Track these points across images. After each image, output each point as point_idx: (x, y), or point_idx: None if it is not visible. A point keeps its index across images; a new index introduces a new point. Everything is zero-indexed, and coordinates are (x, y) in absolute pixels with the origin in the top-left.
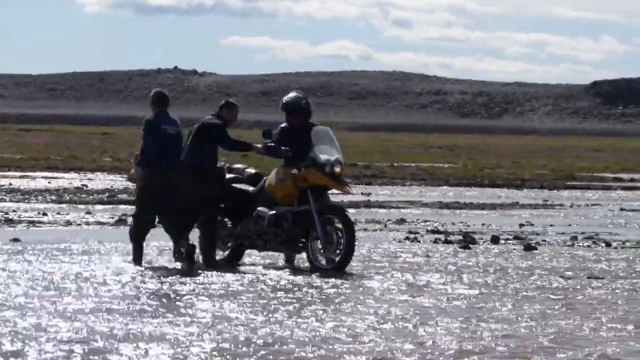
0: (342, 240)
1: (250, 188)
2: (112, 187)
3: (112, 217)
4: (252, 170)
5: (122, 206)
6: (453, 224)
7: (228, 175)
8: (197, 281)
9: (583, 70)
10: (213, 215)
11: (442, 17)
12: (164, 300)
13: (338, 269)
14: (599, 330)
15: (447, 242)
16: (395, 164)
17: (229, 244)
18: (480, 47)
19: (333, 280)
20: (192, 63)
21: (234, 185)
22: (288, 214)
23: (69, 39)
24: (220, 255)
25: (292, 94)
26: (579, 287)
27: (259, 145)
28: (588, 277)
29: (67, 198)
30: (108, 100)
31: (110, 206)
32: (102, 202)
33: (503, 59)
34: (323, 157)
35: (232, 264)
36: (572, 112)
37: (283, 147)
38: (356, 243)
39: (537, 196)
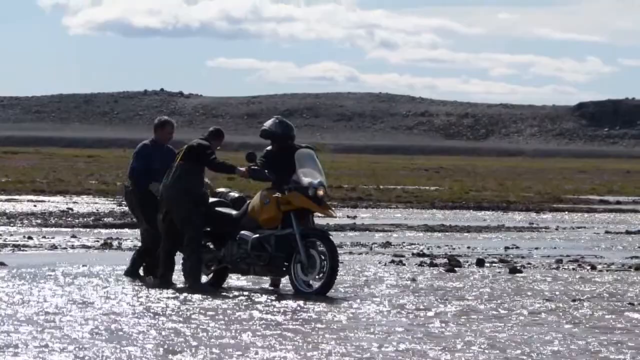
0: (325, 264)
1: (234, 212)
2: (97, 210)
3: (98, 241)
4: (235, 194)
5: (108, 230)
6: (438, 247)
7: (211, 199)
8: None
9: (568, 92)
10: (197, 236)
11: (427, 38)
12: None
13: (321, 293)
14: (579, 352)
15: (432, 265)
16: (381, 187)
17: (212, 268)
18: (466, 68)
19: (315, 304)
20: (178, 85)
21: (217, 208)
22: (271, 237)
23: (54, 61)
24: (203, 279)
25: (269, 122)
26: (563, 310)
27: (243, 168)
28: (572, 300)
29: (53, 221)
30: (94, 122)
31: (96, 230)
32: (87, 226)
33: (488, 80)
34: (306, 180)
35: (215, 288)
36: (558, 134)
37: (266, 171)
38: (340, 267)
39: (523, 219)
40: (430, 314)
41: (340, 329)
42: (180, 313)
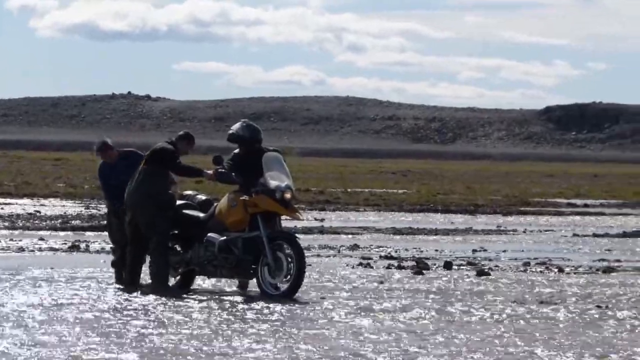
0: (292, 266)
1: (201, 214)
2: (65, 213)
3: (65, 243)
4: (202, 197)
5: (75, 232)
6: (406, 249)
7: (179, 202)
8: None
9: (536, 95)
10: (163, 240)
11: (395, 42)
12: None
13: (287, 296)
14: (543, 356)
15: (400, 267)
16: (349, 190)
17: (180, 270)
18: (433, 72)
19: (282, 306)
20: (146, 88)
21: (184, 211)
22: (238, 240)
23: (22, 64)
24: (170, 281)
25: (236, 125)
26: (530, 312)
27: (210, 171)
28: (540, 302)
29: (20, 224)
30: (62, 125)
31: (64, 232)
32: (55, 228)
33: (456, 84)
34: (273, 183)
35: (183, 290)
36: (525, 138)
37: (234, 174)
38: (307, 269)
39: (491, 222)
40: (398, 316)
41: (308, 330)
42: (148, 315)
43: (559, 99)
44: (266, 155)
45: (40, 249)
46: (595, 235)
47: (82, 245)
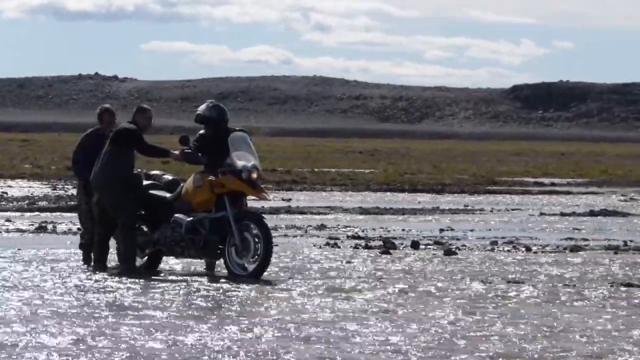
0: (260, 247)
1: (168, 194)
2: (32, 194)
3: (32, 224)
4: (169, 177)
5: (42, 213)
6: (374, 229)
7: (145, 182)
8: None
9: (503, 74)
10: (129, 221)
11: (362, 21)
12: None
13: (255, 276)
14: (506, 334)
15: (367, 247)
16: (316, 170)
17: (147, 251)
18: (400, 51)
19: (248, 286)
20: (113, 69)
21: (151, 191)
22: (205, 220)
23: None
24: (137, 262)
25: (203, 106)
26: (497, 291)
27: (176, 152)
28: (507, 282)
29: None
30: (28, 106)
31: (30, 213)
32: (22, 210)
33: (422, 63)
34: (240, 163)
35: (150, 271)
36: (492, 117)
37: (200, 154)
38: (273, 249)
39: (458, 201)
40: (366, 295)
41: (273, 311)
42: (113, 297)
43: (526, 77)
44: (232, 135)
45: (7, 230)
46: (562, 214)
47: (49, 227)
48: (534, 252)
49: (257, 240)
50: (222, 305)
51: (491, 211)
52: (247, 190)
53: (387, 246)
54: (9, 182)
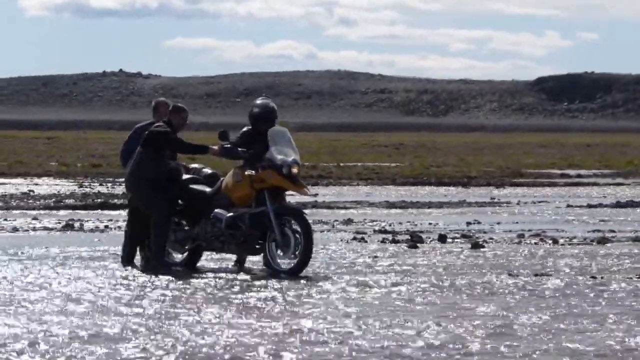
0: (300, 243)
1: (207, 189)
2: (58, 192)
3: (59, 223)
4: (209, 171)
5: (69, 211)
6: (400, 223)
7: (185, 176)
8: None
9: (527, 66)
10: (162, 219)
11: (385, 15)
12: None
13: (295, 272)
14: (537, 326)
15: (394, 241)
16: (342, 164)
17: (187, 246)
18: (424, 45)
19: (287, 282)
20: (137, 65)
21: (191, 186)
22: (245, 215)
23: (12, 44)
24: (177, 257)
25: (259, 102)
26: (525, 284)
27: (216, 147)
28: (535, 275)
29: (14, 204)
30: (53, 104)
31: (57, 211)
32: (49, 207)
33: (447, 56)
34: (280, 157)
35: (190, 266)
36: (517, 109)
37: (240, 149)
38: (314, 245)
39: (484, 194)
40: (394, 290)
41: (312, 306)
42: (145, 294)
43: (550, 69)
44: (272, 130)
45: (34, 229)
46: (589, 205)
47: (76, 224)
48: (561, 245)
49: (297, 236)
50: (263, 303)
51: (518, 204)
52: (288, 185)
53: (414, 240)
54: (36, 180)
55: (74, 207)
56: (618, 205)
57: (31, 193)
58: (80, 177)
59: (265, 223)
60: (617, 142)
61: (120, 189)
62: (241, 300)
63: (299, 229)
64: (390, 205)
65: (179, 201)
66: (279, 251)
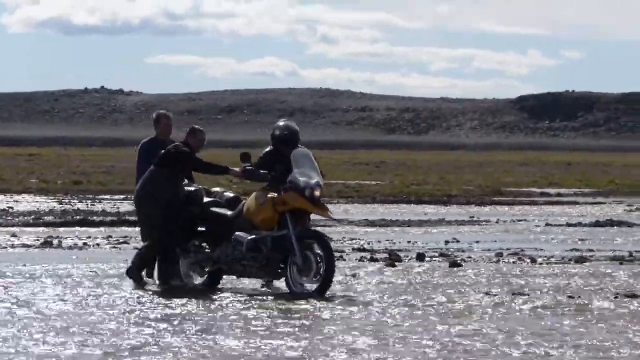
0: (322, 266)
1: (229, 212)
2: (38, 209)
3: (38, 240)
4: (230, 194)
5: (48, 228)
6: (379, 241)
7: (206, 199)
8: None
9: (510, 85)
10: (167, 238)
11: (367, 33)
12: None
13: (318, 295)
14: (516, 346)
15: (373, 260)
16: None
17: (207, 269)
18: (406, 63)
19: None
20: (119, 83)
21: (212, 209)
22: (267, 239)
23: None
24: (197, 280)
25: (282, 124)
26: (502, 303)
27: (237, 169)
28: (512, 294)
29: None
30: (35, 121)
31: (37, 228)
32: (28, 225)
33: (429, 75)
34: (303, 180)
35: (210, 289)
36: (499, 127)
37: (262, 171)
38: (336, 268)
39: (464, 212)
40: (371, 308)
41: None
42: (153, 313)
43: (532, 88)
44: (295, 152)
45: (12, 246)
46: (568, 225)
47: (55, 242)
48: (539, 264)
49: (319, 259)
50: (287, 325)
51: (497, 222)
52: (310, 208)
53: (393, 259)
54: (16, 197)
55: (53, 225)
56: (597, 224)
57: (10, 210)
58: (60, 195)
59: (287, 246)
60: (598, 162)
61: (100, 207)
62: (213, 317)
63: (321, 253)
64: (370, 223)
65: (200, 224)
66: (300, 274)
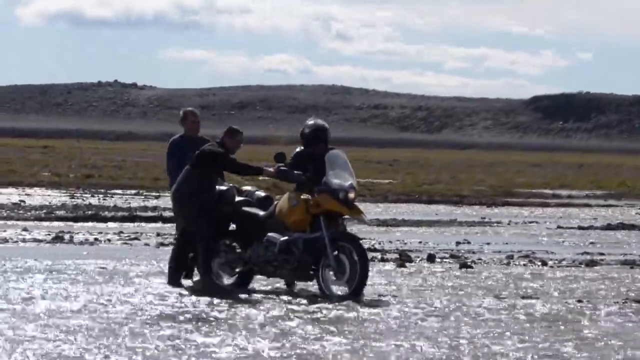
0: (355, 269)
1: (261, 212)
2: (50, 203)
3: (49, 234)
4: (262, 194)
5: (59, 223)
6: (390, 241)
7: (237, 198)
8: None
9: (522, 85)
10: (206, 239)
11: (382, 31)
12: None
13: (351, 297)
14: (524, 351)
15: (383, 260)
16: None
17: (237, 269)
18: (420, 61)
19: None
20: (132, 76)
21: (244, 208)
22: (299, 240)
23: (8, 52)
24: (227, 280)
25: (310, 122)
26: (512, 307)
27: (271, 169)
28: (522, 297)
29: (5, 214)
30: (48, 113)
31: (48, 223)
32: (39, 219)
33: (442, 73)
34: (337, 182)
35: (240, 289)
36: (512, 127)
37: (296, 172)
38: (370, 272)
39: (475, 213)
40: (379, 310)
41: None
42: (189, 314)
43: (545, 88)
44: (330, 153)
45: (24, 240)
46: (579, 227)
47: (66, 237)
48: (550, 267)
49: (352, 262)
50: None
51: (508, 224)
52: (344, 211)
53: (403, 259)
54: (27, 190)
55: (64, 219)
56: (609, 227)
57: (22, 203)
58: (72, 188)
59: (319, 249)
60: (610, 163)
61: (111, 201)
62: (227, 316)
63: (354, 255)
64: (381, 223)
65: (231, 224)
66: (333, 277)
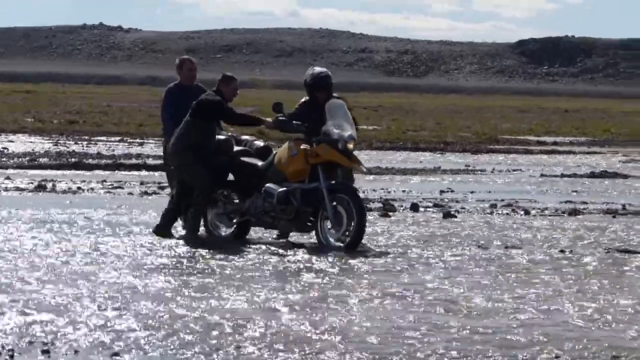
0: (353, 221)
1: (259, 162)
2: (33, 150)
3: (32, 183)
4: (260, 143)
5: (43, 171)
6: (374, 190)
7: (236, 148)
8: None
9: (509, 28)
10: (205, 190)
11: None
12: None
13: (347, 249)
14: (501, 301)
15: (367, 210)
16: None
17: (235, 220)
18: (406, 4)
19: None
20: (118, 19)
21: (242, 159)
22: (297, 191)
23: None
24: (224, 231)
25: (316, 70)
26: (494, 256)
27: (270, 120)
28: (505, 247)
29: None
30: (32, 57)
31: (31, 171)
32: (22, 167)
33: (429, 16)
34: (336, 132)
35: (238, 240)
36: (498, 71)
37: (295, 122)
38: (367, 223)
39: (459, 161)
40: (359, 260)
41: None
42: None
43: (531, 32)
44: (330, 103)
45: (6, 189)
46: (563, 175)
47: (49, 185)
48: (532, 216)
49: (349, 213)
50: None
51: (492, 172)
52: (342, 161)
53: (387, 208)
54: (11, 137)
55: (48, 167)
56: (592, 175)
57: (5, 151)
58: (55, 135)
59: (317, 199)
60: (596, 108)
61: (95, 149)
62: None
63: (352, 207)
64: (367, 171)
65: (229, 174)
66: (330, 228)
